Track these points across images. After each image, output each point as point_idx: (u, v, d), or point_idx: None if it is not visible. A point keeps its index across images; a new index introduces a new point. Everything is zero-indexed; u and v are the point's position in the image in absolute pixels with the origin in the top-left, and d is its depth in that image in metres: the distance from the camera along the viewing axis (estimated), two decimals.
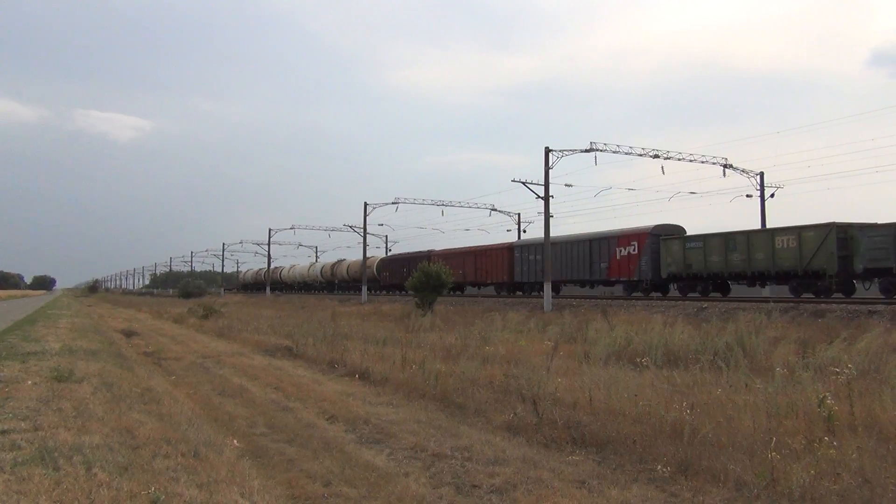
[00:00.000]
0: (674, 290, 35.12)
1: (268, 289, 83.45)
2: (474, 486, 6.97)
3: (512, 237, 52.35)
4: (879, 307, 20.70)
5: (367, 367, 14.56)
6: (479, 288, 49.00)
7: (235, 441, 8.68)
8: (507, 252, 44.65)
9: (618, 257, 36.48)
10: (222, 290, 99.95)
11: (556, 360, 14.17)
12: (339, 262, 74.20)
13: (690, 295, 33.43)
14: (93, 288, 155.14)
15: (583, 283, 40.11)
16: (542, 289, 37.75)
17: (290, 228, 77.34)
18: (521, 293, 44.78)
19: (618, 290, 38.68)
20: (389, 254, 63.88)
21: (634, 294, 36.28)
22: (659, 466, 7.21)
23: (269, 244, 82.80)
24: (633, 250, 35.64)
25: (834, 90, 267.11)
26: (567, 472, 7.34)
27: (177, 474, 6.52)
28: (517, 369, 13.02)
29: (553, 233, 35.41)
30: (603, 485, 6.87)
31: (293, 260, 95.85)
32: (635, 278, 35.52)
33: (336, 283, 75.20)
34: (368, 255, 61.62)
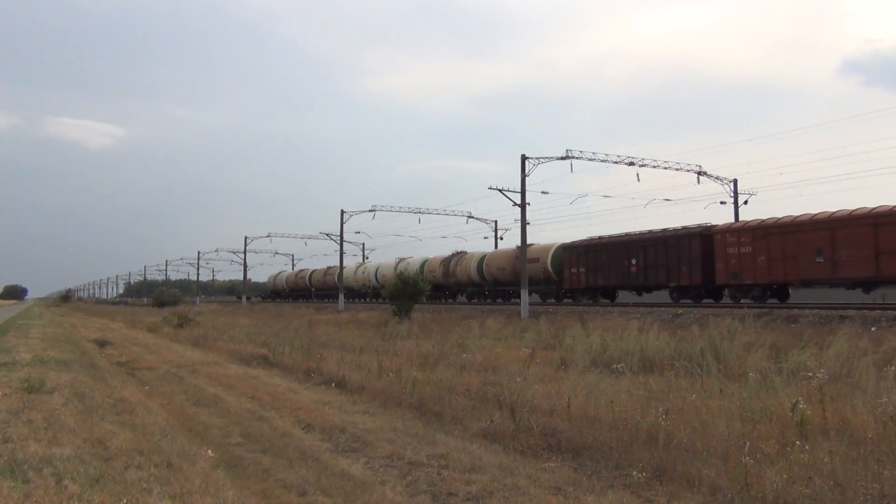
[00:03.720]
0: None
1: (244, 298, 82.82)
2: (451, 494, 6.96)
3: (489, 244, 51.88)
4: (851, 312, 20.98)
5: (343, 375, 14.49)
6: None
7: (210, 451, 8.60)
8: None
9: None
10: (197, 299, 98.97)
11: (532, 366, 14.22)
12: (458, 256, 48.71)
13: (666, 300, 30.55)
14: (65, 297, 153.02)
15: None
16: None
17: (267, 236, 77.06)
18: None
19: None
20: (582, 239, 37.38)
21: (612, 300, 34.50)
22: (634, 472, 7.25)
23: (244, 252, 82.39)
24: None
25: (805, 97, 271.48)
26: (543, 478, 7.36)
27: (149, 485, 6.45)
28: (494, 376, 13.03)
29: (530, 240, 35.24)
30: (579, 491, 6.90)
31: (270, 268, 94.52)
32: None
33: (449, 288, 49.96)
34: (527, 242, 38.62)
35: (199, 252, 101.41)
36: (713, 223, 30.63)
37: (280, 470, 8.08)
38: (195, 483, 6.69)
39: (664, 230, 31.96)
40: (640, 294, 34.40)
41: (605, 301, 35.03)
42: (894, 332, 17.01)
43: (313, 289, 74.96)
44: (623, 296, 36.31)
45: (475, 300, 46.43)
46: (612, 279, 34.27)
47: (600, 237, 35.87)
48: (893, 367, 10.06)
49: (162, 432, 9.35)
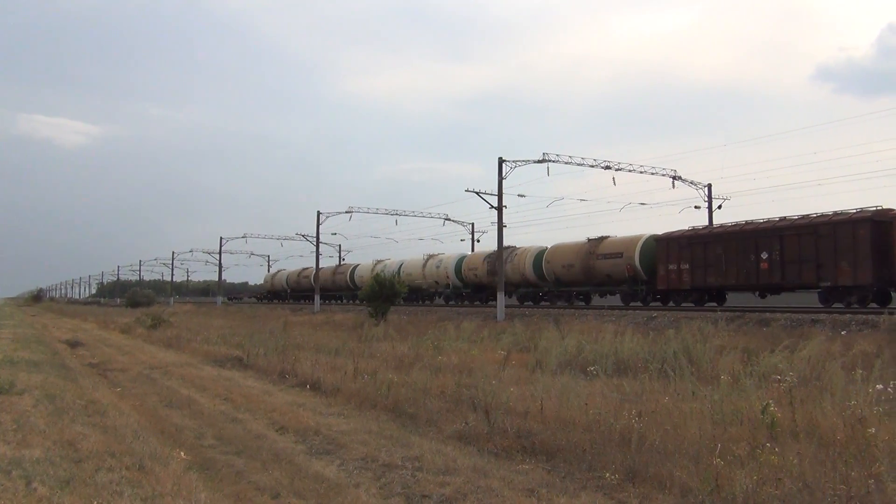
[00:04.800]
0: None
1: (219, 298, 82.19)
2: (424, 497, 6.96)
3: (465, 247, 51.76)
4: (822, 316, 21.28)
5: (318, 377, 14.44)
6: None
7: (182, 453, 8.53)
8: None
9: None
10: (171, 299, 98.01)
11: (508, 369, 14.27)
12: (506, 251, 39.12)
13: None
14: (37, 297, 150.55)
15: None
16: None
17: (242, 237, 76.81)
18: None
19: None
20: (682, 229, 31.07)
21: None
22: (607, 474, 7.30)
23: (220, 253, 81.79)
24: None
25: (779, 104, 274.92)
26: (517, 480, 7.39)
27: (121, 488, 6.40)
28: (469, 379, 13.06)
29: (507, 243, 35.32)
30: (552, 493, 6.93)
31: (245, 269, 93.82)
32: None
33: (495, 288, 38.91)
34: (607, 234, 35.20)
35: (173, 252, 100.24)
36: (887, 207, 23.53)
37: (253, 472, 8.04)
38: (167, 485, 6.64)
39: (807, 216, 25.58)
40: (763, 297, 28.27)
41: (712, 304, 29.50)
42: (864, 335, 17.29)
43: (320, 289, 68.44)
44: (734, 298, 30.82)
45: (528, 303, 40.50)
46: (731, 278, 27.45)
47: (706, 227, 30.05)
48: (861, 370, 10.22)
49: (134, 434, 9.26)
